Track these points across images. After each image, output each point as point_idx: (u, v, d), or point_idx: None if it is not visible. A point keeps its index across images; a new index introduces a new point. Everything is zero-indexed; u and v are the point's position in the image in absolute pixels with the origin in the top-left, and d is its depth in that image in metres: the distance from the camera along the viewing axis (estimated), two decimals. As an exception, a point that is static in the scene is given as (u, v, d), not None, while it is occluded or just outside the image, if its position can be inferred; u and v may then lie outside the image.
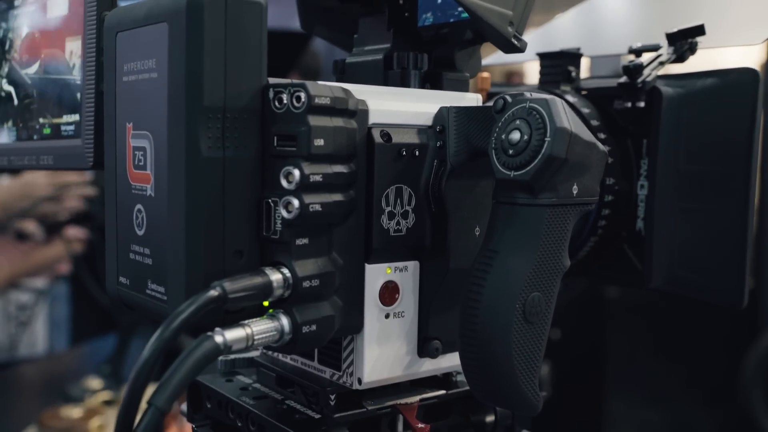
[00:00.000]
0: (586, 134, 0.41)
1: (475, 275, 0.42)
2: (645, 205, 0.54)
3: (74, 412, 1.46)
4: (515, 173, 0.40)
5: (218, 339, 0.38)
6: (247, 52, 0.40)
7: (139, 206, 0.44)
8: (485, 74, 0.62)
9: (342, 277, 0.43)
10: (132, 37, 0.43)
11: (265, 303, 0.41)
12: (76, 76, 0.50)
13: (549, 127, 0.39)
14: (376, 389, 0.48)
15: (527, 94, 0.41)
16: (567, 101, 0.56)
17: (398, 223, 0.45)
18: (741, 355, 2.47)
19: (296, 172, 0.40)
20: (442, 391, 0.51)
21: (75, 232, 1.80)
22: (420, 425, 0.49)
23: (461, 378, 0.52)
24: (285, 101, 0.40)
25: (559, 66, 0.60)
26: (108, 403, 1.54)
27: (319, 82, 0.41)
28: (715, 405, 2.55)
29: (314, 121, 0.40)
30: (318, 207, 0.40)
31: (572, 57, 0.60)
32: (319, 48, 2.19)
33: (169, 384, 0.36)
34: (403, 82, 0.51)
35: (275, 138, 0.41)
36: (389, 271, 0.45)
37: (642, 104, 0.53)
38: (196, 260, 0.40)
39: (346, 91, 0.42)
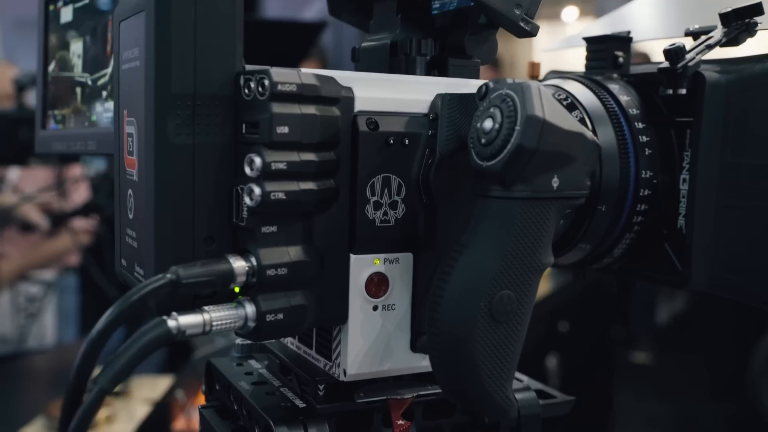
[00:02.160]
0: (569, 123, 0.38)
1: (442, 270, 0.40)
2: (686, 200, 0.48)
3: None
4: (487, 164, 0.38)
5: (171, 324, 0.38)
6: (219, 39, 0.40)
7: (129, 191, 0.44)
8: (536, 61, 0.60)
9: (323, 266, 0.43)
10: (127, 26, 0.43)
11: (237, 289, 0.41)
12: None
13: (519, 115, 0.37)
14: (372, 382, 0.47)
15: (509, 80, 0.39)
16: (606, 88, 0.52)
17: (385, 214, 0.44)
18: (749, 349, 2.42)
19: (258, 160, 0.39)
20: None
21: (82, 224, 1.77)
22: (400, 422, 0.48)
23: None
24: (252, 88, 0.40)
25: (604, 51, 0.55)
26: (116, 394, 1.51)
27: (287, 69, 0.40)
28: (722, 399, 2.51)
29: (278, 108, 0.39)
30: (281, 195, 0.40)
31: (619, 41, 0.55)
32: (328, 38, 2.15)
33: (115, 365, 0.37)
34: (408, 69, 0.49)
35: (244, 125, 0.41)
36: (377, 262, 0.44)
37: (683, 91, 0.47)
38: (165, 245, 0.40)
39: (323, 77, 0.41)
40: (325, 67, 2.34)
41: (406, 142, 0.43)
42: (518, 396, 0.51)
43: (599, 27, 0.61)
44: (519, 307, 0.39)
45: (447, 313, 0.39)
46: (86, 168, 1.81)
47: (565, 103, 0.51)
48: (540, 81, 0.56)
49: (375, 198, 0.43)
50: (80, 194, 1.85)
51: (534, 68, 0.60)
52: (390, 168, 0.43)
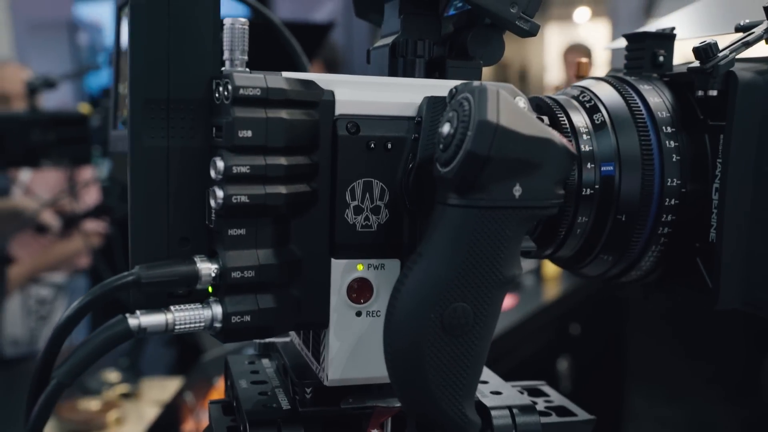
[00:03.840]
0: (532, 128, 0.36)
1: (398, 279, 0.38)
2: (717, 211, 0.44)
3: (92, 404, 1.46)
4: (444, 170, 0.36)
5: (132, 322, 0.39)
6: (194, 44, 0.40)
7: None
8: (584, 59, 0.56)
9: (303, 270, 0.42)
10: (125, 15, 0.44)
11: (210, 289, 0.41)
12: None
13: (472, 120, 0.35)
14: (366, 388, 0.46)
15: (475, 83, 0.37)
16: (636, 90, 0.48)
17: (367, 219, 0.42)
18: (762, 352, 2.37)
19: (220, 164, 0.39)
20: None
21: (93, 226, 1.75)
22: (374, 431, 0.47)
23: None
24: (221, 92, 0.40)
25: (642, 49, 0.50)
26: (126, 396, 1.51)
27: (257, 73, 0.40)
28: (736, 402, 2.46)
29: (240, 112, 0.39)
30: (244, 198, 0.39)
31: (659, 38, 0.50)
32: (338, 40, 2.12)
33: (74, 360, 0.38)
34: (407, 71, 0.48)
35: (213, 129, 0.41)
36: (361, 267, 0.43)
37: (714, 92, 0.43)
38: (140, 245, 0.41)
39: (300, 81, 0.41)
40: (330, 69, 2.30)
41: (389, 146, 0.42)
42: (518, 419, 0.47)
43: (673, 20, 0.55)
44: (476, 321, 0.37)
45: (398, 323, 0.37)
46: (97, 170, 1.79)
47: (588, 105, 0.48)
48: (577, 82, 0.52)
49: (355, 203, 0.42)
50: (91, 196, 1.84)
51: (581, 67, 0.56)
52: (372, 172, 0.42)
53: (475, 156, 0.34)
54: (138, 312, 0.39)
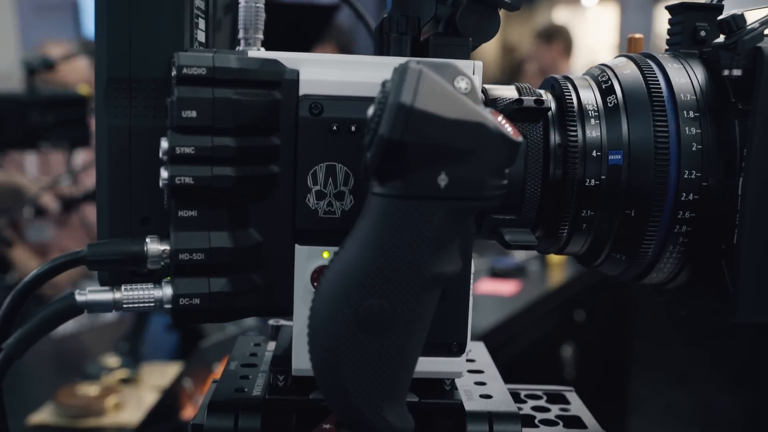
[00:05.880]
0: (460, 112, 0.32)
1: (323, 272, 0.36)
2: (740, 209, 0.38)
3: (91, 389, 1.43)
4: (367, 156, 0.33)
5: (79, 298, 0.40)
6: (157, 25, 0.40)
7: None
8: (637, 35, 0.51)
9: (265, 255, 0.41)
10: None
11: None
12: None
13: (388, 103, 0.32)
14: None
15: (411, 63, 0.33)
16: (663, 69, 0.43)
17: (330, 205, 0.40)
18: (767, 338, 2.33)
19: (164, 144, 0.38)
20: (414, 398, 0.44)
21: (91, 210, 1.71)
22: (325, 426, 0.44)
23: (467, 389, 0.47)
24: (173, 72, 0.39)
25: (682, 23, 0.45)
26: (125, 381, 1.48)
27: (204, 52, 0.39)
28: (741, 388, 2.42)
29: (183, 92, 0.38)
30: (188, 180, 0.38)
31: (700, 10, 0.45)
32: (345, 21, 2.06)
33: (23, 332, 0.40)
34: (393, 49, 0.45)
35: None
36: (327, 255, 0.41)
37: (738, 72, 0.38)
38: (103, 224, 0.41)
39: (260, 60, 0.39)
40: (341, 50, 2.25)
41: (353, 128, 0.39)
42: (497, 427, 0.44)
43: None
44: (396, 319, 0.34)
45: (315, 318, 0.35)
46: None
47: (604, 86, 0.43)
48: (613, 60, 0.47)
49: (317, 187, 0.40)
50: (90, 179, 1.81)
51: (634, 44, 0.50)
52: (335, 156, 0.40)
53: (388, 141, 0.32)
54: (87, 288, 0.40)
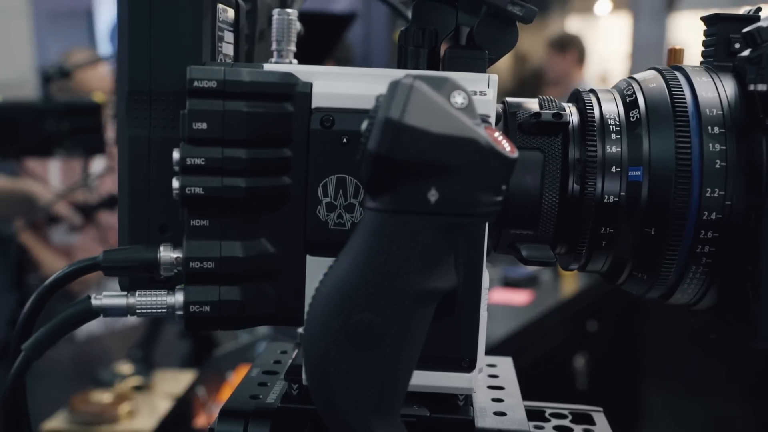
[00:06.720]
0: (451, 127, 0.32)
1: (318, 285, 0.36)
2: (764, 229, 0.38)
3: (104, 397, 1.43)
4: (360, 170, 0.34)
5: (95, 302, 0.41)
6: (177, 37, 0.41)
7: None
8: (678, 47, 0.49)
9: (277, 265, 0.41)
10: None
11: None
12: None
13: (377, 117, 0.32)
14: None
15: (404, 77, 0.33)
16: (690, 83, 0.42)
17: (340, 217, 0.41)
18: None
19: (176, 155, 0.39)
20: (425, 412, 0.43)
21: (108, 218, 1.72)
22: None
23: (481, 405, 0.46)
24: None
25: (715, 34, 0.44)
26: (138, 388, 1.48)
27: (218, 65, 0.40)
28: (753, 400, 2.39)
29: (194, 104, 0.39)
30: (198, 190, 0.39)
31: (733, 21, 0.43)
32: (356, 31, 2.05)
33: (40, 334, 0.40)
34: (410, 62, 0.45)
35: None
36: None
37: (764, 87, 0.37)
38: (123, 230, 0.42)
39: (275, 74, 0.40)
40: (338, 63, 2.23)
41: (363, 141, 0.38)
42: None
43: None
44: (387, 334, 0.34)
45: (307, 330, 0.35)
46: (111, 160, 1.76)
47: (628, 100, 0.42)
48: (642, 73, 0.46)
49: (328, 199, 0.41)
50: (105, 187, 1.81)
51: (674, 55, 0.48)
52: (345, 168, 0.40)
53: (376, 157, 0.31)
54: (103, 293, 0.41)
